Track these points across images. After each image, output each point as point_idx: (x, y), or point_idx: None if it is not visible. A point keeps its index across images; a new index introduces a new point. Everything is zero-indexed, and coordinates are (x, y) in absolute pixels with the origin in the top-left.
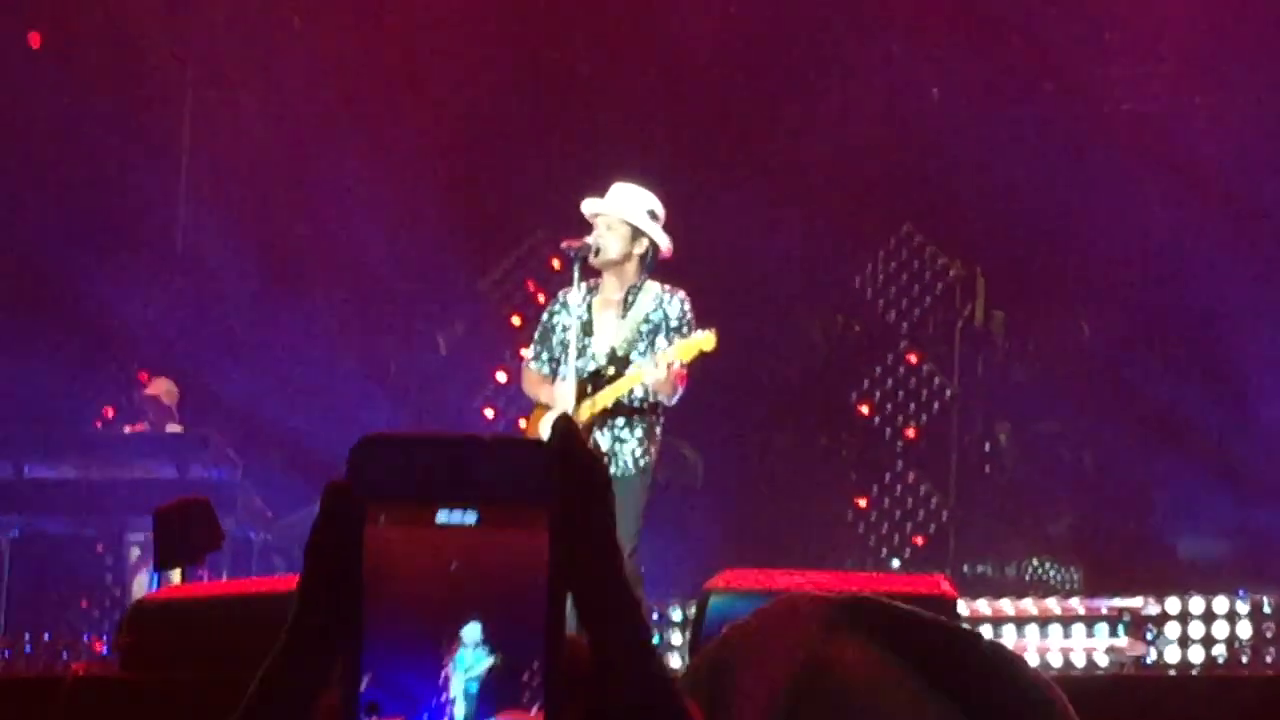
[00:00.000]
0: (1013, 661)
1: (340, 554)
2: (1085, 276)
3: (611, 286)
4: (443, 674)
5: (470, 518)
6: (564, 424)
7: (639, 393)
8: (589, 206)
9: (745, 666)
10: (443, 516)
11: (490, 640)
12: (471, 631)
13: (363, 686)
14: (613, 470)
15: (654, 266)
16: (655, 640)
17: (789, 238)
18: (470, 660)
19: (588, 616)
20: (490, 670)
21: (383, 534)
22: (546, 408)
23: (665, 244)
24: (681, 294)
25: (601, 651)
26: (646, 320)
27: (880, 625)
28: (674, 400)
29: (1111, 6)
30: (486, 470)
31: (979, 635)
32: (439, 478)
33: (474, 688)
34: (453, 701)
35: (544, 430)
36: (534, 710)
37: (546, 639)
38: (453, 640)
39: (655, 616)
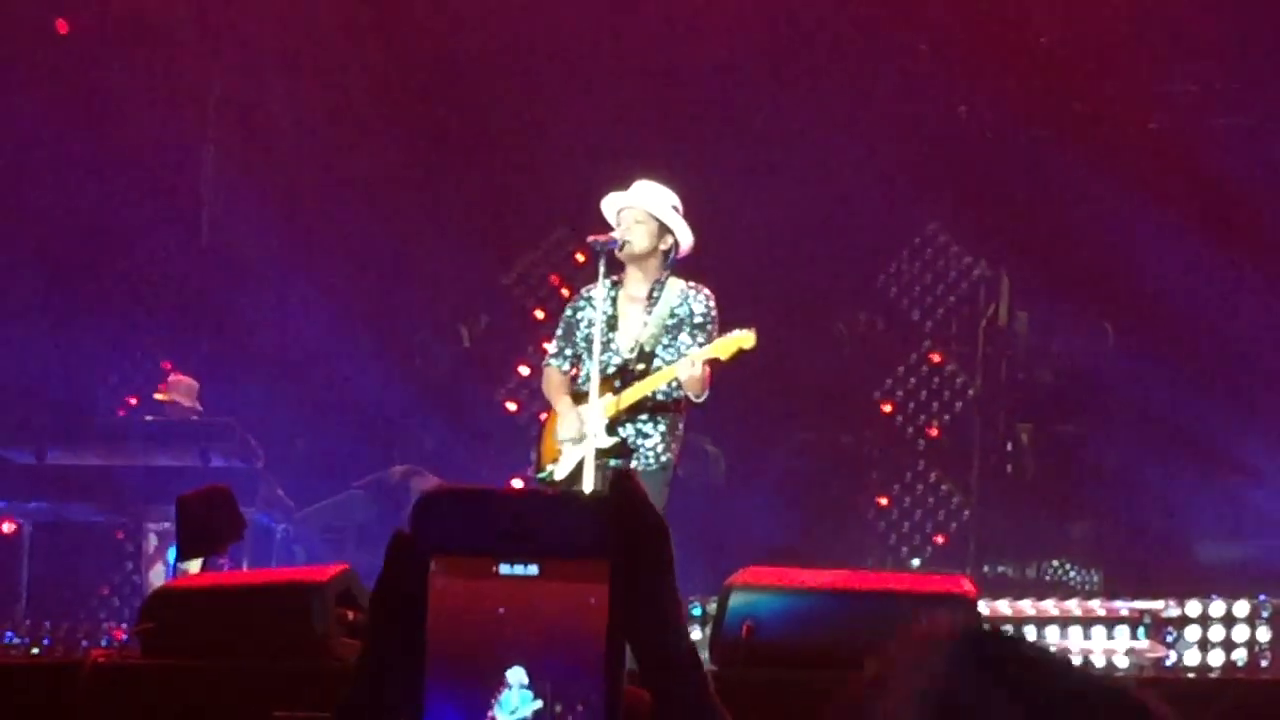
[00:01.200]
0: (1145, 712)
1: (403, 603)
2: (1110, 279)
3: (636, 282)
4: (489, 715)
5: (532, 570)
6: (624, 480)
7: (663, 389)
8: (613, 201)
9: (884, 707)
10: (505, 569)
11: (535, 684)
12: (516, 674)
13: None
14: (635, 464)
15: (676, 262)
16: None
17: (813, 236)
18: (515, 702)
19: (648, 668)
20: (537, 714)
21: (447, 585)
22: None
23: (688, 239)
24: (706, 291)
25: (663, 703)
26: (672, 315)
27: (1005, 661)
28: (703, 398)
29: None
30: (547, 524)
31: (1113, 683)
32: (501, 531)
33: None
34: None
35: (560, 433)
36: None
37: (606, 690)
38: (499, 682)
39: None
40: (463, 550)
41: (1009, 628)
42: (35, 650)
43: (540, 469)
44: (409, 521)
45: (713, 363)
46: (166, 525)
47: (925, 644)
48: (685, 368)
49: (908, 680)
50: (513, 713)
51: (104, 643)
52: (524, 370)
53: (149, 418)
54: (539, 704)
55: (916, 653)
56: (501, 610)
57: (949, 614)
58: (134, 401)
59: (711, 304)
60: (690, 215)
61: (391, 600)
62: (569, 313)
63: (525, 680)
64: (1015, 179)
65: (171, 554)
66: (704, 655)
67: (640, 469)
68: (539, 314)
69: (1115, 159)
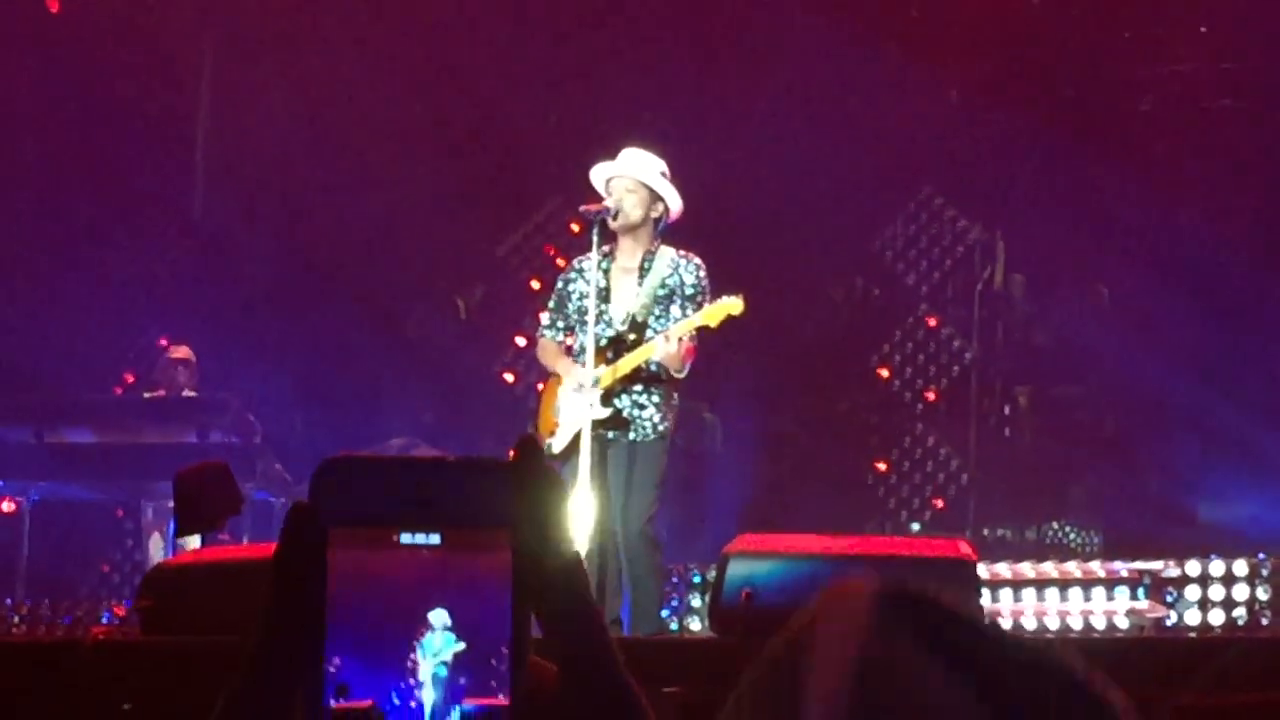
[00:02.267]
0: (1071, 675)
1: (304, 575)
2: (1105, 240)
3: (627, 251)
4: (411, 658)
5: (434, 539)
6: (526, 445)
7: (656, 359)
8: (603, 171)
9: (807, 668)
10: (406, 538)
11: (458, 627)
12: (439, 616)
13: (333, 669)
14: (632, 436)
15: (666, 229)
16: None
17: (809, 201)
18: (439, 644)
19: (554, 637)
20: (459, 656)
21: (347, 555)
22: (559, 379)
23: (678, 205)
24: (697, 260)
25: (568, 670)
26: (663, 285)
27: (930, 625)
28: (682, 373)
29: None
30: (449, 492)
31: (1041, 647)
32: (402, 499)
33: (443, 672)
34: (421, 685)
35: (562, 400)
36: (500, 697)
37: (510, 659)
38: (421, 624)
39: (675, 580)
40: (363, 520)
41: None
42: (36, 628)
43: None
44: (308, 492)
45: (702, 330)
46: (165, 502)
47: (850, 605)
48: (660, 345)
49: (832, 644)
50: (435, 655)
51: (104, 620)
52: (520, 341)
53: (147, 395)
54: (462, 645)
55: (841, 614)
56: (406, 581)
57: (870, 573)
58: (131, 379)
59: (703, 273)
60: (684, 182)
61: (289, 573)
62: (561, 284)
63: (446, 621)
64: (1009, 140)
65: (170, 530)
66: (703, 623)
67: (638, 440)
68: (535, 285)
69: (1108, 129)
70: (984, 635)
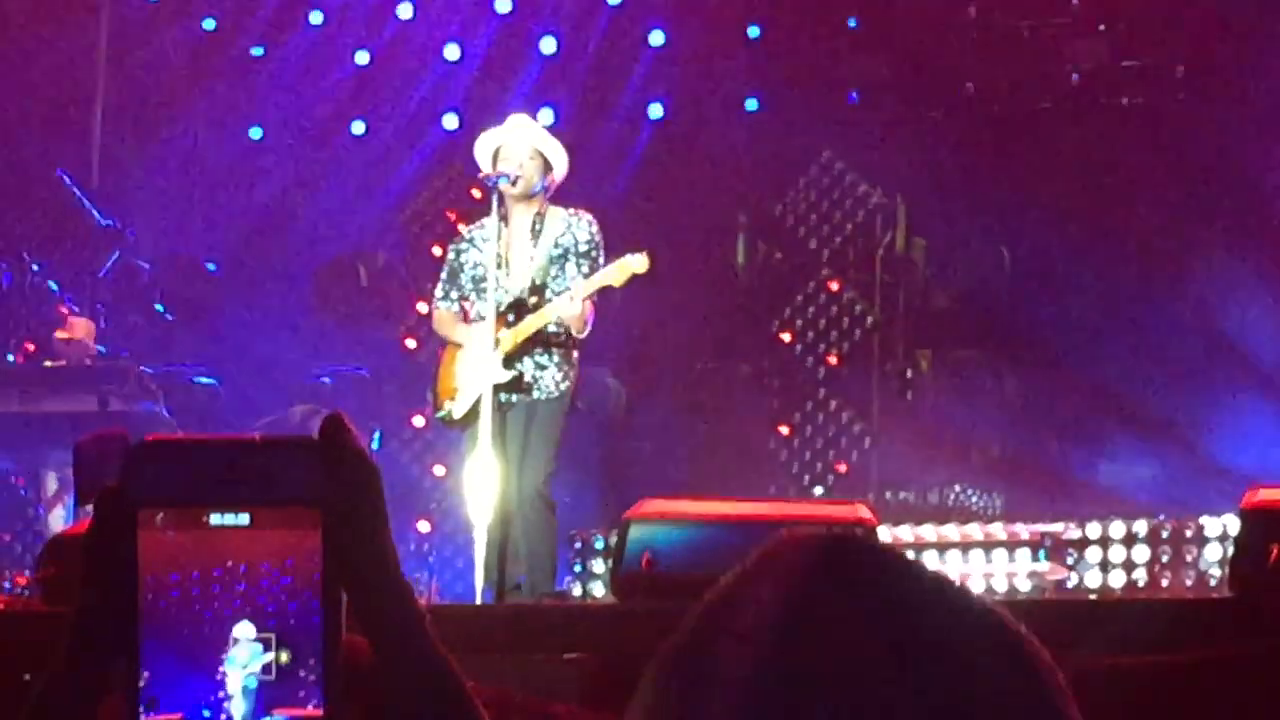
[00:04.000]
0: (1006, 637)
1: (114, 558)
2: (1005, 203)
3: (519, 215)
4: (220, 671)
5: (243, 519)
6: (333, 422)
7: (555, 321)
8: (493, 138)
9: (729, 625)
10: (215, 519)
11: (265, 637)
12: (244, 629)
13: (142, 683)
14: (535, 395)
15: (551, 191)
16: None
17: (710, 165)
18: (246, 657)
19: (363, 613)
20: (268, 667)
21: (157, 537)
22: (459, 346)
23: (564, 168)
24: (588, 216)
25: (380, 647)
26: (557, 245)
27: (866, 577)
28: (584, 333)
29: None
30: (258, 471)
31: (982, 608)
32: (212, 480)
33: (253, 683)
34: (230, 698)
35: (461, 366)
36: (311, 707)
37: (324, 637)
38: (226, 637)
39: (578, 545)
40: (172, 502)
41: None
42: None
43: (439, 408)
44: (119, 474)
45: (606, 290)
46: (66, 471)
47: (785, 560)
48: (565, 304)
49: (763, 597)
50: (244, 667)
51: (5, 589)
52: (422, 308)
53: (47, 363)
54: (269, 656)
55: (773, 569)
56: (227, 564)
57: (807, 529)
58: (31, 347)
59: (594, 228)
60: (582, 145)
61: (99, 558)
62: (452, 255)
63: (253, 634)
64: (907, 103)
65: (71, 500)
66: (604, 588)
67: (542, 398)
68: (436, 250)
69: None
70: (923, 588)
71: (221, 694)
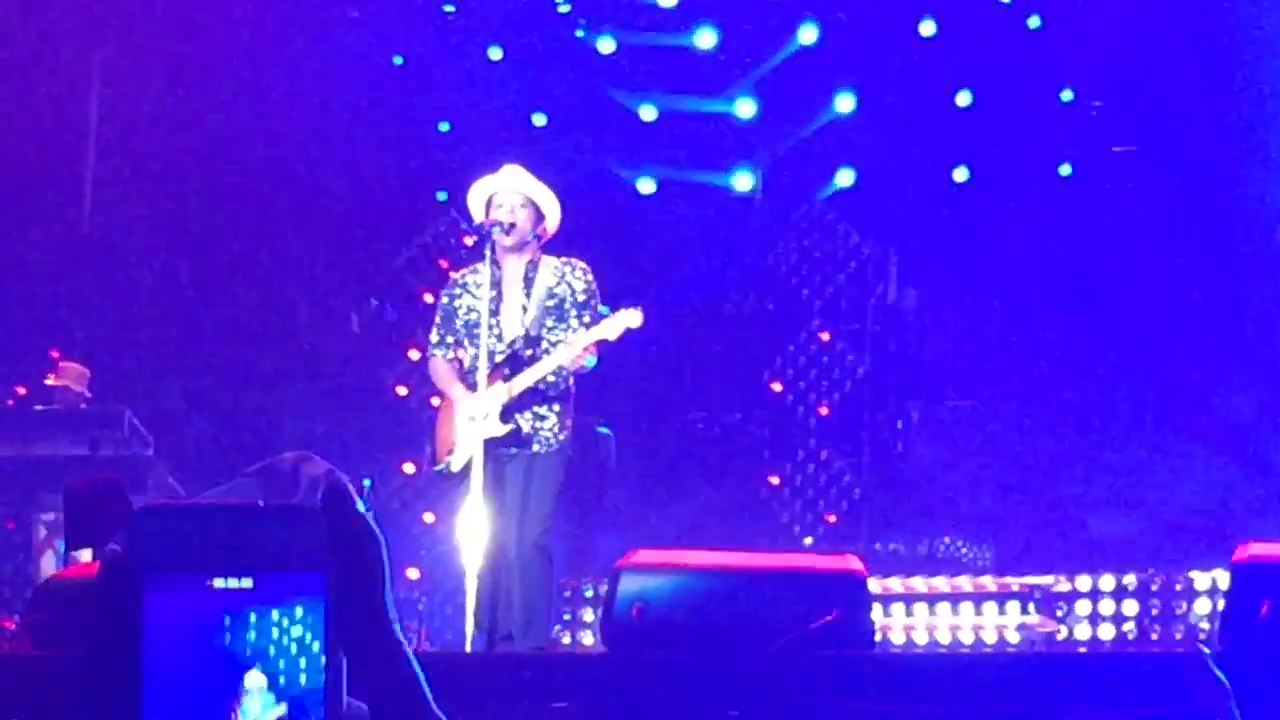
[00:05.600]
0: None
1: (120, 622)
2: (997, 256)
3: (513, 266)
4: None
5: (246, 583)
6: (336, 492)
7: (553, 372)
8: (486, 186)
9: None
10: (219, 583)
11: (276, 687)
12: (255, 679)
13: None
14: (535, 448)
15: (544, 242)
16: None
17: (702, 214)
18: (259, 709)
19: (364, 678)
20: (282, 718)
21: (160, 602)
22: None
23: (557, 219)
24: (582, 265)
25: (377, 706)
26: (551, 296)
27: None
28: (589, 367)
29: None
30: (261, 539)
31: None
32: (215, 547)
33: None
34: None
35: (459, 422)
36: None
37: (326, 701)
38: (237, 686)
39: (568, 594)
40: (177, 566)
41: None
42: None
43: (437, 461)
44: (124, 540)
45: (600, 342)
46: (56, 515)
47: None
48: (566, 353)
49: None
50: (257, 718)
51: None
52: (414, 355)
53: (38, 407)
54: (283, 708)
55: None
56: (229, 622)
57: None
58: (22, 391)
59: (589, 276)
60: (579, 198)
61: (108, 619)
62: (445, 300)
63: (264, 683)
64: (901, 154)
65: (62, 545)
66: (595, 637)
67: (541, 451)
68: (428, 298)
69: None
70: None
71: None
